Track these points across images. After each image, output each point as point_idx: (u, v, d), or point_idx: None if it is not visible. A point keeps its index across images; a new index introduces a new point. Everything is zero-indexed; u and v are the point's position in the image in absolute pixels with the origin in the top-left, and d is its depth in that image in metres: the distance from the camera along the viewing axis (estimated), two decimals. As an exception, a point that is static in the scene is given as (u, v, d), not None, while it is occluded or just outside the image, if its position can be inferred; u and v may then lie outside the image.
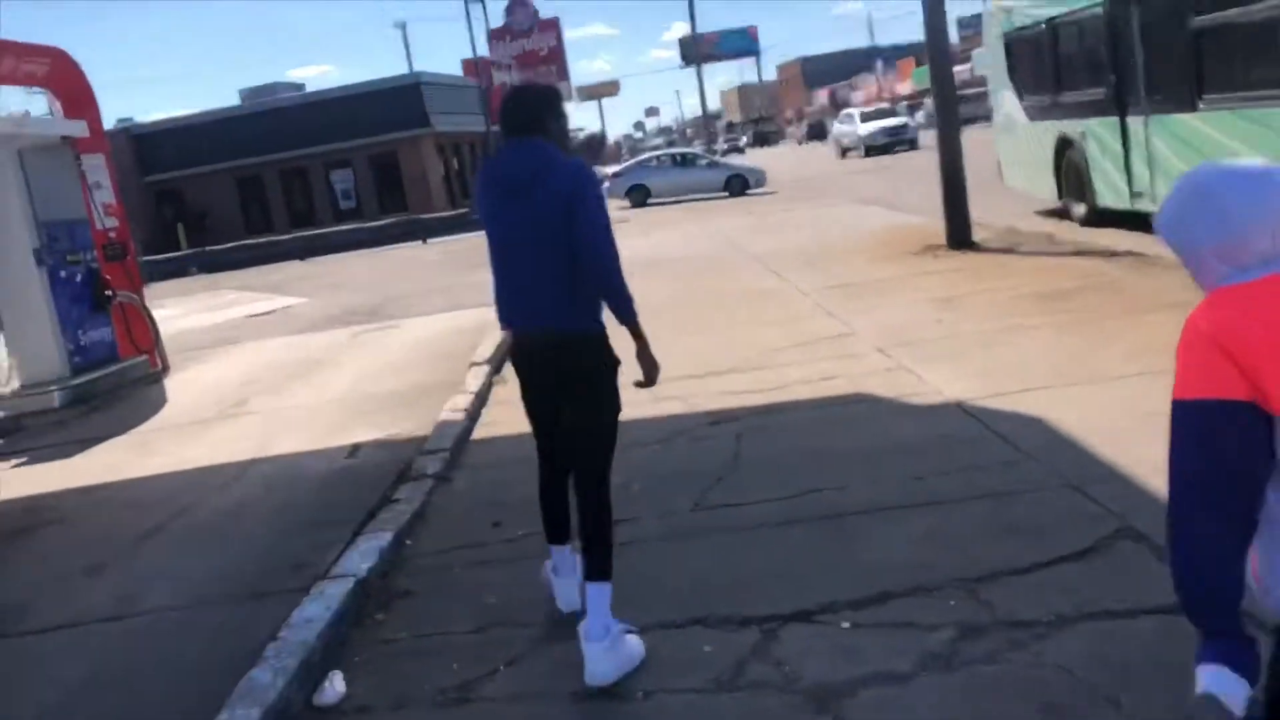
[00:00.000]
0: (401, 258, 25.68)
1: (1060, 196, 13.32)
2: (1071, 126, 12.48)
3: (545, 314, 3.63)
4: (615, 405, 3.71)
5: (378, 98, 37.33)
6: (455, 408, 7.18)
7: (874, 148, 40.35)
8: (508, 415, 7.33)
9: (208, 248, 31.47)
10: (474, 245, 25.91)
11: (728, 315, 10.02)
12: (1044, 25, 12.98)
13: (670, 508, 5.04)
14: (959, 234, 11.95)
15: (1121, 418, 5.35)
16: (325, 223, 37.24)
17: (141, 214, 38.31)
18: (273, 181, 38.38)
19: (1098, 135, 11.80)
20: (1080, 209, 12.76)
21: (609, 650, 3.48)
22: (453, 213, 33.44)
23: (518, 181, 3.59)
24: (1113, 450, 4.88)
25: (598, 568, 3.59)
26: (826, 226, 17.12)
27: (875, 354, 7.55)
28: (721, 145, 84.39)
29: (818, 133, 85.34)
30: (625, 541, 4.58)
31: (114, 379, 11.25)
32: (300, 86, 42.56)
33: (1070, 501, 4.45)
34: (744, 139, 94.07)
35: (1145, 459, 4.57)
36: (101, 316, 11.54)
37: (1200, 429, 1.76)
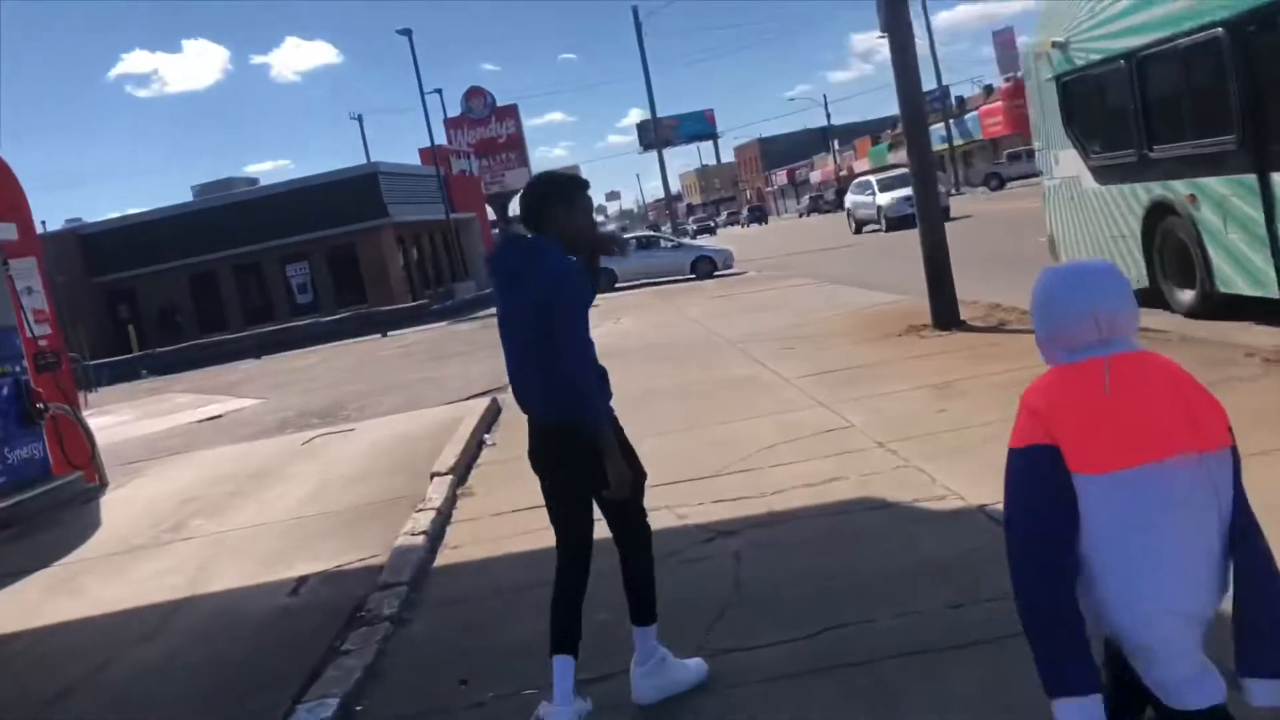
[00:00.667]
0: (360, 352, 24.91)
1: (1153, 280, 10.32)
2: (1171, 189, 9.71)
3: (534, 402, 3.81)
4: (627, 472, 3.76)
5: (334, 189, 36.80)
6: (414, 529, 6.38)
7: (895, 219, 32.94)
8: (476, 534, 6.55)
9: (158, 350, 30.51)
10: (435, 338, 25.28)
11: (711, 408, 9.32)
12: (1120, 61, 10.14)
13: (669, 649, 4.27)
14: (945, 312, 11.39)
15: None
16: (281, 317, 36.42)
17: (91, 316, 37.33)
18: (227, 277, 37.55)
19: (1217, 198, 9.05)
20: (1186, 296, 9.91)
21: (651, 673, 3.96)
22: (413, 304, 32.77)
23: (511, 272, 3.74)
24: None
25: (650, 613, 4.01)
26: (801, 307, 16.59)
27: (879, 450, 6.86)
28: (690, 226, 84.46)
29: (818, 204, 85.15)
30: (612, 706, 3.81)
31: (45, 500, 10.34)
32: (254, 181, 41.99)
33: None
34: (717, 219, 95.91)
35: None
36: (32, 432, 10.68)
37: (1019, 471, 2.22)
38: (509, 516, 6.74)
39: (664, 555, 5.47)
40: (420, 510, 6.85)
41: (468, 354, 19.42)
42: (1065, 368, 2.25)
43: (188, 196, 41.05)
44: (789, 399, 9.15)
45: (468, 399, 13.23)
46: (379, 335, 29.04)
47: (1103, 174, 10.93)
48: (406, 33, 39.69)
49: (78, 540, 8.53)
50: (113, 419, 19.88)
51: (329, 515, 7.64)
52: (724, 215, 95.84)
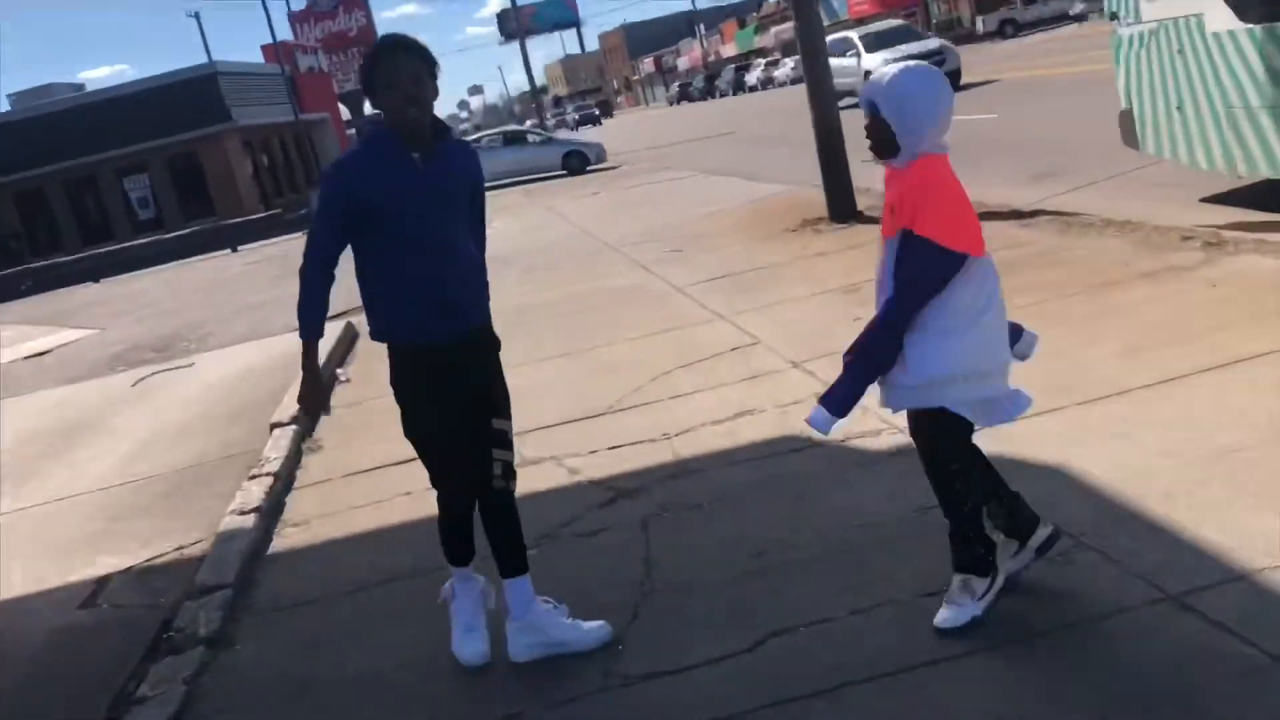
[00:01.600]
0: (206, 271, 22.93)
1: None
2: None
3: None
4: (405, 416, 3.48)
5: (170, 92, 33.82)
6: (245, 505, 5.20)
7: None
8: (321, 504, 5.42)
9: (-18, 276, 27.75)
10: (288, 251, 23.25)
11: (595, 326, 8.25)
12: None
13: (566, 685, 3.28)
14: (842, 205, 10.48)
15: (1166, 455, 3.88)
16: (123, 236, 33.65)
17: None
18: (58, 194, 34.40)
19: None
20: None
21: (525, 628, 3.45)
22: (265, 214, 30.53)
23: None
24: (1193, 517, 3.37)
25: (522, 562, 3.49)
26: (683, 202, 15.52)
27: (794, 372, 5.93)
28: (572, 116, 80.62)
29: (687, 92, 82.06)
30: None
31: None
32: (80, 87, 38.33)
33: (1185, 629, 2.88)
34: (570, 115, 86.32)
35: (1246, 525, 3.10)
36: None
37: (942, 267, 2.91)
38: (361, 479, 5.62)
39: (555, 526, 4.47)
40: (254, 476, 5.67)
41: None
42: (938, 159, 2.96)
43: (4, 107, 37.38)
44: (683, 311, 8.15)
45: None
46: (228, 251, 26.93)
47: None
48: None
49: None
50: (-77, 358, 17.85)
51: (149, 482, 6.38)
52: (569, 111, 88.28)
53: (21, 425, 9.31)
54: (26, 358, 14.77)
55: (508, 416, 3.46)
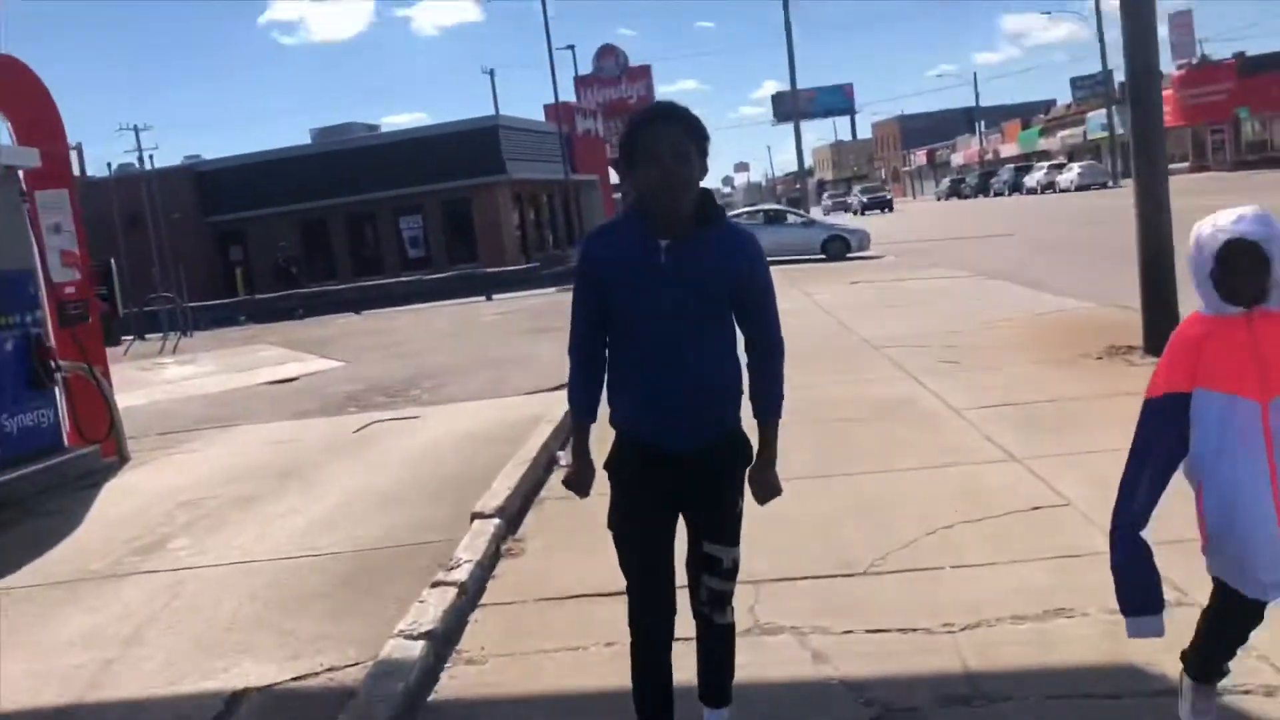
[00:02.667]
0: (459, 316, 23.19)
1: None
2: None
3: None
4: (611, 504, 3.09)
5: (453, 141, 35.18)
6: (417, 627, 4.28)
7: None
8: (507, 634, 4.44)
9: (260, 296, 29.40)
10: (539, 306, 23.27)
11: (856, 444, 7.02)
12: None
13: None
14: (1163, 332, 8.77)
15: None
16: (392, 270, 35.10)
17: (202, 256, 36.69)
18: (338, 226, 36.38)
19: None
20: None
21: None
22: (523, 266, 30.96)
23: None
24: None
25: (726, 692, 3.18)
26: (957, 306, 14.05)
27: (1123, 559, 4.50)
28: (859, 199, 76.54)
29: (959, 188, 79.02)
30: None
31: (47, 476, 8.72)
32: (375, 127, 40.70)
33: None
34: (855, 198, 79.08)
35: None
36: (42, 396, 9.04)
37: None
38: (558, 610, 4.62)
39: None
40: (437, 584, 4.76)
41: (568, 329, 17.44)
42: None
43: (306, 140, 40.06)
44: (963, 442, 6.80)
45: (555, 389, 11.21)
46: (484, 298, 27.33)
47: None
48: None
49: (46, 543, 6.76)
50: (191, 369, 18.61)
51: (329, 560, 5.64)
52: (855, 194, 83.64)
53: (242, 459, 9.00)
54: (276, 381, 14.98)
55: (731, 543, 3.01)
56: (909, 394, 8.56)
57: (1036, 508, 5.28)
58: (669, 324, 2.83)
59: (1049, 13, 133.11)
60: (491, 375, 12.90)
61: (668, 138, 2.74)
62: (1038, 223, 31.94)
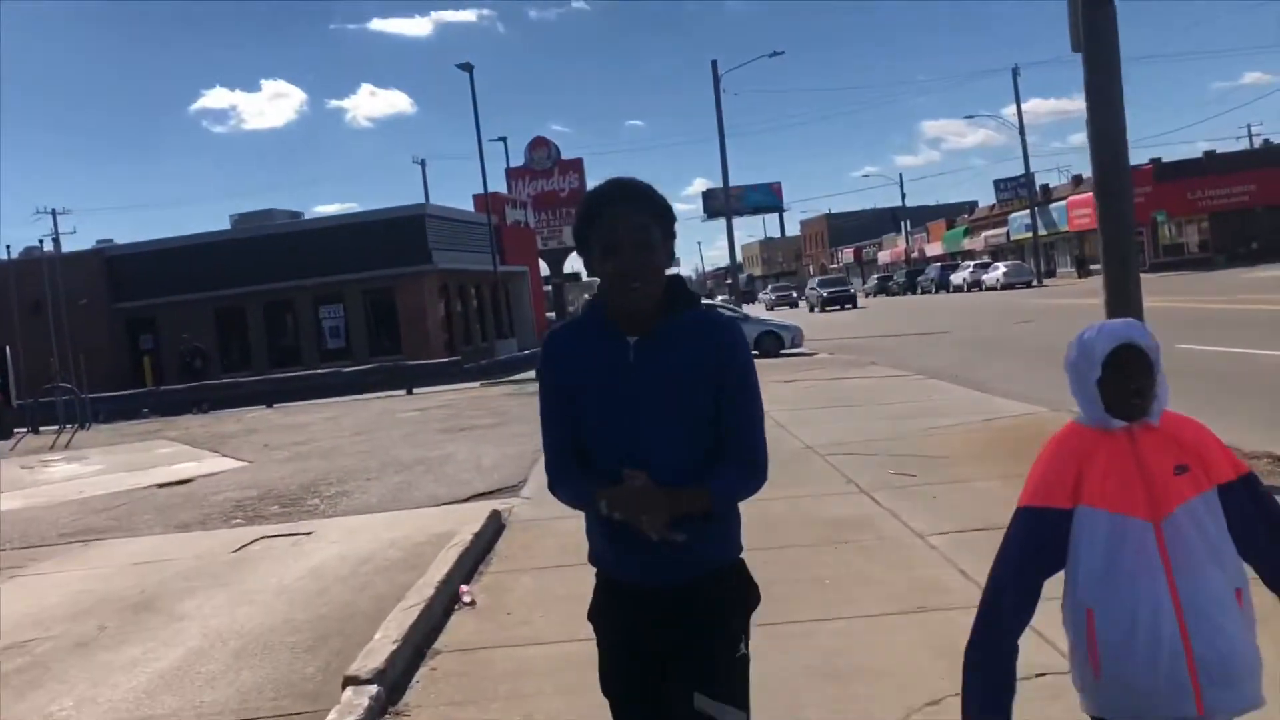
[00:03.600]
0: (373, 412, 21.94)
1: None
2: None
3: None
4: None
5: (378, 228, 34.14)
6: None
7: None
8: None
9: (165, 387, 27.80)
10: (459, 402, 22.08)
11: (809, 583, 6.01)
12: None
13: None
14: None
15: None
16: (310, 361, 33.66)
17: (110, 343, 34.93)
18: (256, 314, 34.90)
19: None
20: None
21: None
22: (445, 360, 29.80)
23: None
24: None
25: None
26: (901, 407, 13.28)
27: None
28: (768, 296, 78.54)
29: (887, 285, 79.14)
30: None
31: None
32: (298, 214, 39.51)
33: None
34: (813, 290, 66.81)
35: None
36: None
37: None
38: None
39: None
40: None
41: (489, 428, 16.34)
42: None
43: (226, 226, 38.77)
44: (935, 577, 5.85)
45: (467, 499, 10.08)
46: (404, 391, 26.10)
47: None
48: (468, 68, 37.13)
49: None
50: (78, 467, 17.13)
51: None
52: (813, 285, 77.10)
53: (96, 586, 7.73)
54: (168, 483, 13.64)
55: (728, 698, 2.52)
56: (863, 513, 7.62)
57: (1040, 674, 4.30)
58: (641, 432, 2.49)
59: (971, 116, 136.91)
60: (399, 481, 11.73)
61: (628, 222, 2.46)
62: (970, 320, 31.76)
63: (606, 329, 2.54)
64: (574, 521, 2.80)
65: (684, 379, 2.50)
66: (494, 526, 8.27)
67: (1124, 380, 2.43)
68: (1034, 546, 2.50)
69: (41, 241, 40.15)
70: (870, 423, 12.22)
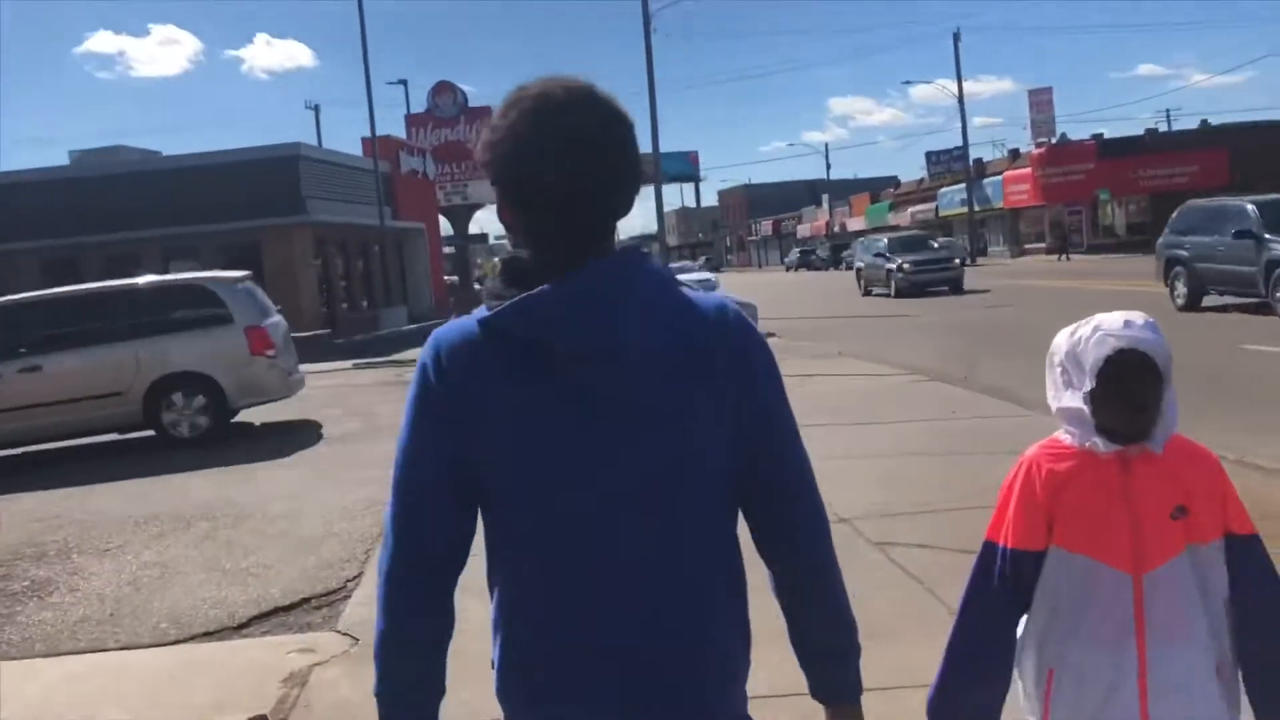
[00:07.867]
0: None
1: None
2: None
3: None
4: None
5: (243, 171, 28.94)
6: None
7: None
8: None
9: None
10: (320, 392, 17.14)
11: None
12: None
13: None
14: None
15: None
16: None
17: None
18: (92, 268, 29.34)
19: None
20: None
21: None
22: (319, 332, 24.92)
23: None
24: None
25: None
26: (917, 434, 9.10)
27: None
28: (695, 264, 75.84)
29: (809, 259, 76.40)
30: None
31: None
32: (155, 153, 33.82)
33: None
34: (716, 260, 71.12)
35: None
36: None
37: None
38: None
39: None
40: None
41: (338, 444, 11.74)
42: None
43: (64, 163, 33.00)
44: None
45: (240, 627, 5.58)
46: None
47: None
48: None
49: None
50: None
51: None
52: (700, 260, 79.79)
53: None
54: None
55: None
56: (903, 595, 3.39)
57: None
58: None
59: (909, 82, 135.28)
60: (149, 561, 7.14)
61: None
62: (927, 303, 28.01)
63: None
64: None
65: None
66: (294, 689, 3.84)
67: (1123, 395, 1.91)
68: (1000, 587, 2.04)
69: None
70: (904, 463, 8.05)
